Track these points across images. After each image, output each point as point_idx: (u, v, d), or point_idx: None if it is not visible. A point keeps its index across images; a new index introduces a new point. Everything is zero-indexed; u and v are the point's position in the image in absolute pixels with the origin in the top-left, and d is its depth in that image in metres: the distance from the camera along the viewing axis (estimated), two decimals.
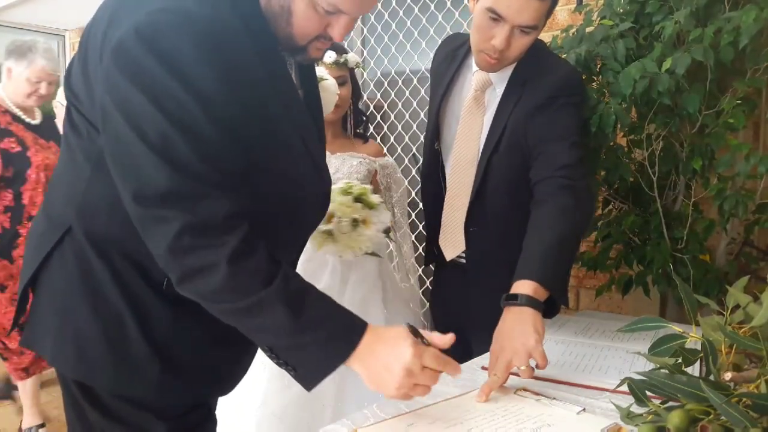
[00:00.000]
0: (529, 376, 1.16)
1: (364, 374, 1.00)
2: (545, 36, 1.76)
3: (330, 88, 1.86)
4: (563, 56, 1.71)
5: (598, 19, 1.79)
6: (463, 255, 1.66)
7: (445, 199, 1.65)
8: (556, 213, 1.37)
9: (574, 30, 1.87)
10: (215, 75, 0.92)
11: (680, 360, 0.97)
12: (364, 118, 2.19)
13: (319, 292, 1.02)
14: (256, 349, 1.22)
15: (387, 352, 0.99)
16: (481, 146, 1.57)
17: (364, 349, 0.99)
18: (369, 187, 1.89)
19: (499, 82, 1.55)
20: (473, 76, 1.59)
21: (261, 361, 1.22)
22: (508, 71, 1.53)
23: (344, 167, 2.02)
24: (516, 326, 1.20)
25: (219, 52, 0.93)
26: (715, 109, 1.62)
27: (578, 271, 2.16)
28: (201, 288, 0.96)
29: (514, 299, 1.24)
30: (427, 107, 1.81)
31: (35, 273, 1.11)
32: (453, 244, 1.65)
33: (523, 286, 1.25)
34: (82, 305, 1.07)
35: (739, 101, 1.58)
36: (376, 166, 2.12)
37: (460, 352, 1.60)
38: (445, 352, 1.10)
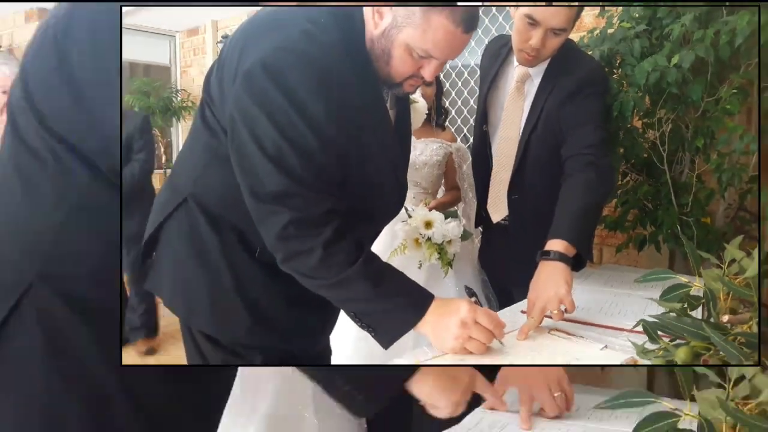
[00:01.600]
0: (560, 319, 1.23)
1: (431, 335, 1.10)
2: (574, 36, 1.78)
3: (419, 110, 2.01)
4: (589, 53, 1.79)
5: (618, 22, 1.85)
6: (507, 218, 1.78)
7: (492, 172, 1.78)
8: (583, 185, 1.45)
9: (597, 31, 1.92)
10: (324, 107, 1.03)
11: (686, 305, 1.01)
12: (444, 111, 2.40)
13: (394, 269, 1.13)
14: (338, 312, 1.31)
15: (447, 314, 1.08)
16: (522, 128, 1.69)
17: (430, 315, 1.09)
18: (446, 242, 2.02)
19: (536, 75, 1.66)
20: (515, 70, 1.70)
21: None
22: (543, 66, 1.64)
23: (427, 150, 2.24)
24: (549, 277, 1.26)
25: (328, 89, 1.04)
26: (715, 97, 1.68)
27: (601, 232, 2.16)
28: (300, 267, 1.08)
29: (548, 255, 1.31)
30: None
31: (156, 230, 1.23)
32: (498, 209, 1.79)
33: (555, 244, 1.32)
34: (191, 262, 1.17)
35: (735, 90, 1.64)
36: (452, 149, 2.33)
37: (504, 301, 1.80)
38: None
